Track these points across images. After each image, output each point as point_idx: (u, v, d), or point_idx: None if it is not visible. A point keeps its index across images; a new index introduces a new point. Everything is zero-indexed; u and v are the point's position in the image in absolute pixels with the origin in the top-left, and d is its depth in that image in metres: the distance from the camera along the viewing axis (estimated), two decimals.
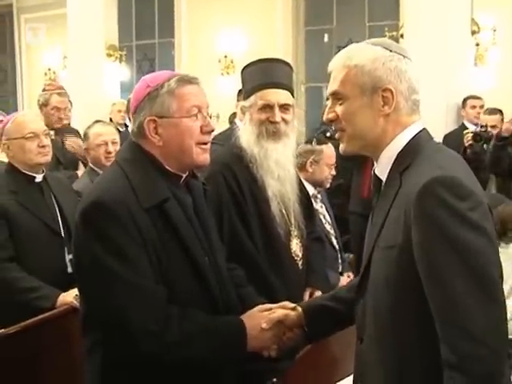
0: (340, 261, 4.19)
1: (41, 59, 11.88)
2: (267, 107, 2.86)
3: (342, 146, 1.92)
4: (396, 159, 1.81)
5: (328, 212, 4.28)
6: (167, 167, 2.15)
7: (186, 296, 2.07)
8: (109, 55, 9.00)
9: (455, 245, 1.59)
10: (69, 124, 5.63)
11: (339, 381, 2.40)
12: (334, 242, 4.18)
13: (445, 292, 1.60)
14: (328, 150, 4.22)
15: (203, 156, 2.17)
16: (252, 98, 2.89)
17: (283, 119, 2.88)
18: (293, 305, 2.31)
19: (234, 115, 7.57)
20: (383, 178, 1.86)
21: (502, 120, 5.59)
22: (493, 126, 5.50)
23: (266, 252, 2.88)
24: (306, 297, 3.05)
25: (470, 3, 6.61)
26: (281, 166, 2.90)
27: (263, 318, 2.20)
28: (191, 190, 2.25)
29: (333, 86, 1.87)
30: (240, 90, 5.19)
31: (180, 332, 1.99)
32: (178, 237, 2.07)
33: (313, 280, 3.11)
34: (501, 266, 1.68)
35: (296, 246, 3.02)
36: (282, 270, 2.92)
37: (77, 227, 2.05)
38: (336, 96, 1.86)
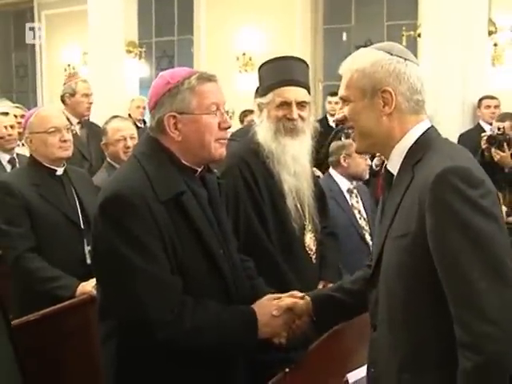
0: None
1: (60, 55, 11.99)
2: (285, 104, 2.92)
3: (355, 145, 2.08)
4: (407, 154, 1.91)
5: (365, 207, 4.28)
6: (184, 161, 2.21)
7: (201, 286, 2.13)
8: (128, 51, 9.08)
9: (467, 230, 1.68)
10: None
11: (351, 371, 2.44)
12: (368, 238, 4.17)
13: (459, 276, 1.69)
14: None
15: (220, 150, 2.23)
16: (270, 95, 2.95)
17: (300, 116, 2.95)
18: (301, 294, 2.40)
19: (244, 113, 7.63)
20: (395, 172, 1.96)
21: None
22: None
23: (280, 245, 2.94)
24: None
25: (488, 3, 6.62)
26: (297, 162, 2.97)
27: (273, 305, 2.28)
28: (206, 184, 2.32)
29: (341, 90, 2.01)
30: (258, 88, 5.26)
31: (194, 320, 2.05)
32: (194, 229, 2.14)
33: (326, 274, 3.18)
34: (511, 252, 1.76)
35: (310, 240, 3.09)
36: (296, 263, 2.98)
37: (95, 219, 2.11)
38: (343, 99, 2.00)
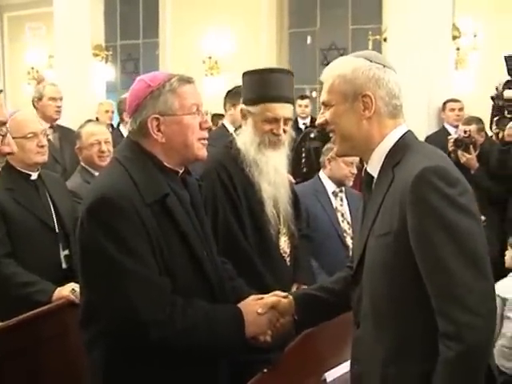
0: None
1: (24, 58, 11.87)
2: (273, 120, 3.01)
3: (335, 149, 2.16)
4: (387, 156, 2.01)
5: (350, 211, 4.27)
6: (166, 164, 2.25)
7: (187, 287, 2.17)
8: (95, 55, 9.03)
9: (447, 226, 1.78)
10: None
11: (328, 370, 2.49)
12: (349, 241, 4.16)
13: (440, 269, 1.78)
14: None
15: (203, 150, 2.29)
16: (259, 107, 3.01)
17: (284, 131, 3.05)
18: (284, 293, 2.46)
19: (218, 116, 7.64)
20: (375, 174, 2.05)
21: (480, 129, 5.73)
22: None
23: (257, 248, 3.01)
24: None
25: (452, 9, 6.76)
26: (277, 172, 3.06)
27: (257, 304, 2.33)
28: (187, 186, 2.36)
29: (322, 95, 2.10)
30: (230, 91, 5.29)
31: (185, 320, 2.09)
32: (179, 231, 2.17)
33: (299, 276, 3.26)
34: (487, 247, 1.87)
35: (284, 244, 3.18)
36: (272, 265, 3.06)
37: (83, 223, 2.12)
38: (325, 104, 2.09)
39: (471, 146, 5.41)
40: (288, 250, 3.19)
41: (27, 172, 3.53)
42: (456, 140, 5.48)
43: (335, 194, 4.25)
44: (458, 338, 1.75)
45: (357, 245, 2.14)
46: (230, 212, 2.98)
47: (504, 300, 4.08)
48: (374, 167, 2.05)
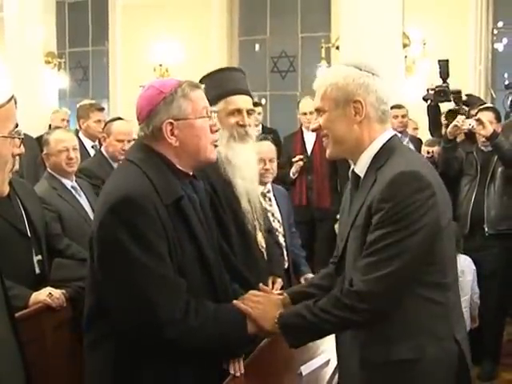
0: (286, 258, 4.30)
1: None
2: (236, 112, 3.07)
3: (327, 151, 2.28)
4: (373, 159, 2.16)
5: (280, 210, 4.39)
6: (178, 166, 2.32)
7: (195, 288, 2.23)
8: (47, 62, 8.94)
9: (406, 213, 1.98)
10: None
11: (304, 364, 2.55)
12: (281, 239, 4.29)
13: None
14: (260, 146, 4.29)
15: (214, 153, 2.40)
16: (221, 104, 3.06)
17: (248, 123, 3.12)
18: (280, 291, 2.60)
19: None
20: (362, 174, 2.20)
21: None
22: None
23: (240, 247, 3.08)
24: (270, 284, 3.36)
25: (401, 17, 6.97)
26: (248, 166, 3.12)
27: (256, 301, 2.40)
28: (196, 189, 2.44)
29: (316, 103, 2.25)
30: None
31: (198, 318, 2.16)
32: (192, 233, 2.25)
33: (273, 269, 3.46)
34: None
35: (261, 238, 3.30)
36: (253, 261, 3.15)
37: (103, 223, 2.13)
38: (318, 110, 2.24)
39: (434, 166, 5.54)
40: (264, 245, 3.32)
41: None
42: None
43: (263, 195, 4.28)
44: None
45: (340, 238, 2.29)
46: (213, 212, 3.03)
47: None
48: (361, 168, 2.20)
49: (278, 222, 4.34)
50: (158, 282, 2.09)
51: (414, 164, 2.08)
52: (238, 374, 2.54)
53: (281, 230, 4.33)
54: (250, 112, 3.13)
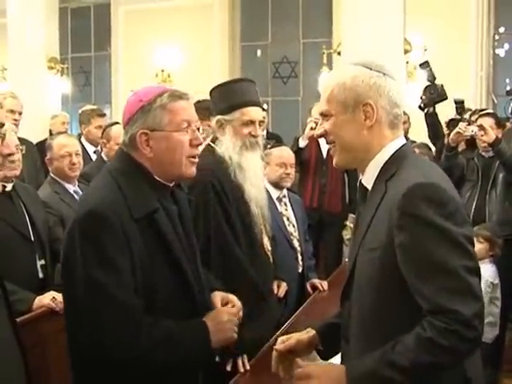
0: (301, 263, 4.35)
1: None
2: (249, 123, 3.19)
3: (334, 160, 2.07)
4: (382, 169, 1.95)
5: (295, 215, 4.45)
6: (156, 177, 2.25)
7: (170, 300, 2.18)
8: (50, 68, 8.97)
9: (436, 232, 1.74)
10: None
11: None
12: (296, 244, 4.34)
13: (438, 272, 1.73)
14: (277, 151, 4.50)
15: (191, 169, 2.28)
16: (236, 113, 3.19)
17: (259, 133, 3.26)
18: (305, 330, 2.31)
19: None
20: (369, 186, 2.00)
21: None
22: None
23: (247, 250, 3.18)
24: (275, 288, 3.50)
25: (403, 23, 7.00)
26: (257, 174, 3.24)
27: (223, 312, 2.33)
28: (176, 200, 2.37)
29: (321, 106, 2.04)
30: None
31: (149, 340, 2.08)
32: (166, 246, 2.19)
33: (277, 273, 3.57)
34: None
35: (267, 243, 3.39)
36: (261, 265, 3.25)
37: (70, 234, 2.12)
38: (324, 114, 2.02)
39: None
40: (270, 249, 3.41)
41: (3, 184, 3.55)
42: None
43: (279, 200, 4.41)
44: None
45: (349, 257, 2.08)
46: (222, 217, 3.11)
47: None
48: (368, 179, 2.00)
49: (293, 226, 4.42)
50: (109, 303, 2.03)
51: (430, 175, 1.85)
52: (242, 370, 2.67)
53: (296, 234, 4.40)
54: (260, 123, 3.26)
